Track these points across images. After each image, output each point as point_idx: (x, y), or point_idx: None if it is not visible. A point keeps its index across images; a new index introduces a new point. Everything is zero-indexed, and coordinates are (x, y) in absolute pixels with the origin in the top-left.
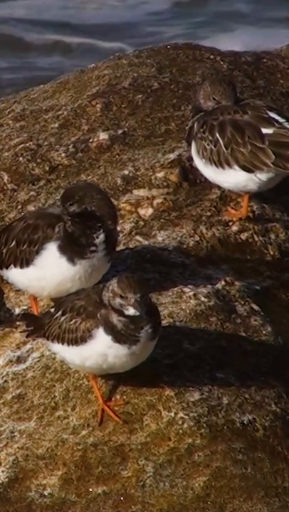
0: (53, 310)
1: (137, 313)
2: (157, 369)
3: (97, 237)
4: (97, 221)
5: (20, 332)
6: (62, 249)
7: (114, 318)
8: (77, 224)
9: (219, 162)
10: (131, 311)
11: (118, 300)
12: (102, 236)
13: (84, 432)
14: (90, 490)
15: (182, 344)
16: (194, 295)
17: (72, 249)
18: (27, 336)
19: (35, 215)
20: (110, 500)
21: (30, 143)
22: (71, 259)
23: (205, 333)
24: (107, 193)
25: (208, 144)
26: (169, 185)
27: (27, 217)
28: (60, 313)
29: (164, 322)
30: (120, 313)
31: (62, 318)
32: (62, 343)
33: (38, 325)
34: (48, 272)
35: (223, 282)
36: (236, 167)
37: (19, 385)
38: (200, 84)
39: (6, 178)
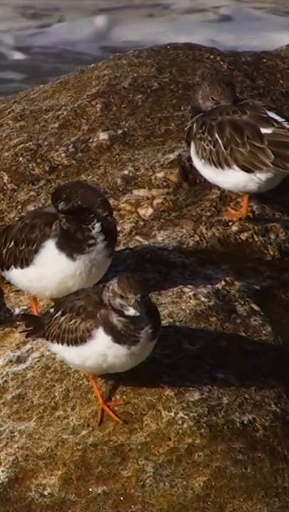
0: (52, 310)
1: (137, 314)
2: (157, 369)
3: (93, 228)
4: (88, 213)
5: (20, 332)
6: (61, 246)
7: (115, 319)
8: (71, 220)
9: (218, 162)
10: (131, 312)
11: (118, 300)
12: (97, 226)
13: (84, 432)
14: (90, 490)
15: (182, 344)
16: (194, 295)
17: (71, 246)
18: (26, 336)
19: (32, 214)
20: (110, 500)
21: (30, 143)
22: (70, 255)
23: (205, 333)
24: (95, 186)
25: (207, 145)
26: (169, 185)
27: (25, 217)
28: (59, 313)
29: (164, 322)
30: (120, 313)
31: (62, 318)
32: (62, 344)
33: (37, 325)
34: (49, 270)
35: (223, 282)
36: (236, 167)
37: (19, 385)
38: (199, 85)
39: (6, 178)
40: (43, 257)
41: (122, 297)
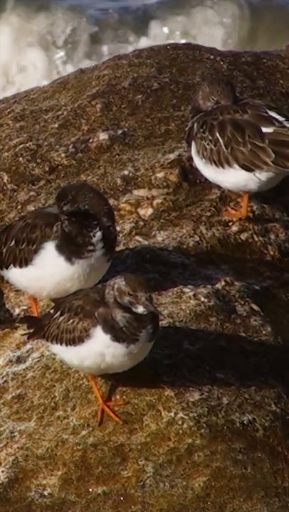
0: (52, 311)
1: (146, 312)
2: (157, 369)
3: (94, 236)
4: (93, 219)
5: (22, 335)
6: (60, 249)
7: (118, 315)
8: (74, 224)
9: (219, 161)
10: (140, 309)
11: (127, 298)
12: (99, 234)
13: (84, 432)
14: (90, 490)
15: (182, 344)
16: (194, 295)
17: (70, 249)
18: (28, 338)
19: (34, 214)
20: (110, 500)
21: (30, 143)
22: (69, 259)
23: (205, 333)
24: (101, 192)
25: (208, 144)
26: (168, 186)
27: (26, 216)
28: (58, 313)
29: (164, 322)
30: (126, 309)
31: (61, 318)
32: (61, 344)
33: (38, 326)
34: (47, 272)
35: (223, 282)
36: (236, 166)
37: (19, 385)
38: (199, 85)
39: (6, 178)
40: (42, 258)
41: (130, 295)
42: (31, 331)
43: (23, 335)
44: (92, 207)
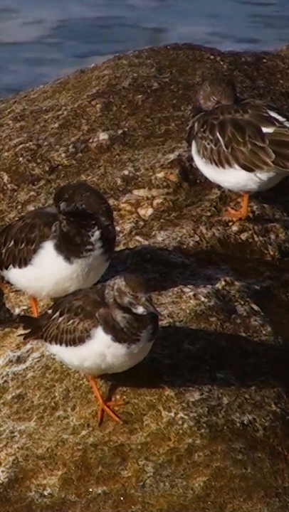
0: (50, 311)
1: (146, 312)
2: (157, 369)
3: (92, 235)
4: (91, 219)
5: (18, 335)
6: (59, 248)
7: (119, 315)
8: (72, 223)
9: (219, 161)
10: (140, 310)
11: (127, 299)
12: (97, 233)
13: (84, 432)
14: (90, 490)
15: (182, 344)
16: (194, 295)
17: (69, 249)
18: (24, 339)
19: (33, 214)
20: (110, 500)
21: (30, 143)
22: (68, 258)
23: (205, 333)
24: (100, 191)
25: (208, 144)
26: (169, 186)
27: (25, 216)
28: (57, 314)
29: (164, 322)
30: (126, 310)
31: (60, 319)
32: (61, 344)
33: (35, 327)
34: (46, 271)
35: (223, 282)
36: (236, 166)
37: (19, 385)
38: (200, 85)
39: (6, 178)
40: (41, 257)
41: (131, 296)
42: (28, 331)
43: (19, 335)
44: (89, 206)
